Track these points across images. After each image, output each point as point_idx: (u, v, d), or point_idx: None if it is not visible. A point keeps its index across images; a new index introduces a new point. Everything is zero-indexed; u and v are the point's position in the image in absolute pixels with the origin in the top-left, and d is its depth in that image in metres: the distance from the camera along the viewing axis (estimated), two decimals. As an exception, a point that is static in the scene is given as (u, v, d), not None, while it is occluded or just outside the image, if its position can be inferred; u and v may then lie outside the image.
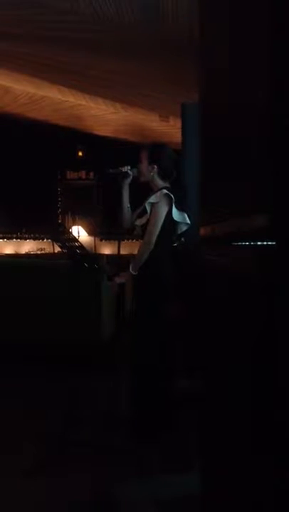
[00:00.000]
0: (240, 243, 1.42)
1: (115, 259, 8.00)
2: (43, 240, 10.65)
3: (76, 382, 4.12)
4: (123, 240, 8.88)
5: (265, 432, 1.09)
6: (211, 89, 2.02)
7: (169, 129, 8.34)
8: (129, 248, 8.68)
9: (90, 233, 10.71)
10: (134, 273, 3.05)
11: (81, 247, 5.17)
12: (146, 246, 3.00)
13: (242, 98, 1.36)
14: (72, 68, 6.62)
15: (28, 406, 3.63)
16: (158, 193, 3.03)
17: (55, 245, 7.05)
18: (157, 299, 3.01)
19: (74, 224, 10.74)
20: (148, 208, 3.04)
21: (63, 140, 10.16)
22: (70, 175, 10.88)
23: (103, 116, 8.98)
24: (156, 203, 3.02)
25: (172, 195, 3.01)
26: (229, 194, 1.54)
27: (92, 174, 10.76)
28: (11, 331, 4.67)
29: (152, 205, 3.03)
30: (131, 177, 3.19)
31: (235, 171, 1.45)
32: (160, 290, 3.02)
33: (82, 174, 10.84)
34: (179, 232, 3.13)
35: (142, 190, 3.19)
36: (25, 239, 10.85)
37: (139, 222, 3.14)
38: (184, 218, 3.08)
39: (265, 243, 1.15)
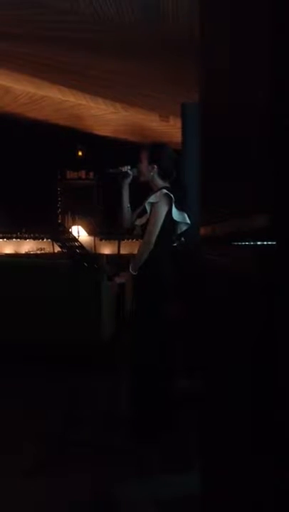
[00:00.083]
0: (240, 243, 1.42)
1: (115, 259, 7.97)
2: (42, 239, 10.64)
3: (76, 382, 4.13)
4: (123, 240, 8.86)
5: (265, 432, 1.09)
6: (211, 89, 2.02)
7: (169, 129, 8.34)
8: (129, 248, 8.64)
9: (89, 233, 10.70)
10: (134, 273, 3.05)
11: (81, 246, 5.17)
12: (146, 246, 3.00)
13: (242, 98, 1.36)
14: (72, 68, 6.62)
15: (28, 406, 3.63)
16: (158, 193, 3.03)
17: (55, 245, 7.04)
18: (157, 298, 3.01)
19: (74, 224, 10.72)
20: (148, 208, 3.04)
21: (63, 140, 10.15)
22: (70, 175, 10.87)
23: (103, 116, 8.98)
24: (156, 202, 3.02)
25: (172, 195, 3.02)
26: (229, 194, 1.54)
27: (92, 174, 10.75)
28: (11, 331, 4.67)
29: (152, 204, 3.03)
30: (131, 177, 3.20)
31: (235, 171, 1.45)
32: (160, 290, 3.02)
33: (82, 174, 10.83)
34: (179, 232, 3.14)
35: (142, 190, 3.19)
36: (25, 239, 10.83)
37: (139, 222, 3.14)
38: (184, 218, 3.08)
39: (265, 243, 1.15)
